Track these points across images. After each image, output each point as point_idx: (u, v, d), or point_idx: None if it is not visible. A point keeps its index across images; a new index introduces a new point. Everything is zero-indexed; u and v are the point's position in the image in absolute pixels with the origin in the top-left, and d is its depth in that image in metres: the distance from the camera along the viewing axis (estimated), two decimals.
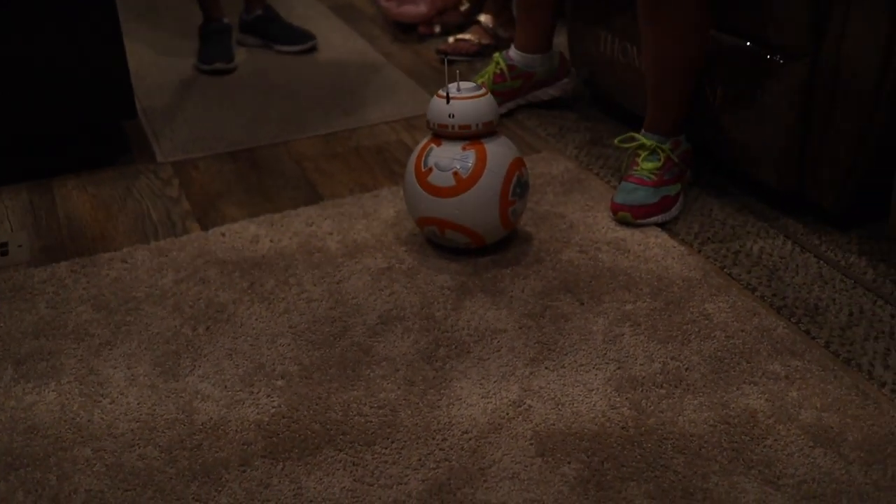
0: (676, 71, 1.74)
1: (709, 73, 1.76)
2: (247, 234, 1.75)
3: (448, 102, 1.57)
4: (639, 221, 1.72)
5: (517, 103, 2.19)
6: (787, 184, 1.71)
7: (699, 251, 1.67)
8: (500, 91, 2.12)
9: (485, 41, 2.54)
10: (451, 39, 2.57)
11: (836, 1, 1.52)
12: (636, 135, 1.81)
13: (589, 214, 1.77)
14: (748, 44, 1.68)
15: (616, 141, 1.83)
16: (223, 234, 1.75)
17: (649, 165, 1.77)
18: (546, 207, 1.80)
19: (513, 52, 2.15)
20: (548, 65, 2.17)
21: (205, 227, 1.79)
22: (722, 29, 1.73)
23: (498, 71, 2.15)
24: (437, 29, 2.72)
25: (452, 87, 1.59)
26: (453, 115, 1.57)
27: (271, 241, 1.72)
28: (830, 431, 1.26)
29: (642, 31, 1.74)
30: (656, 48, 1.73)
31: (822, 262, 1.63)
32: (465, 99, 1.57)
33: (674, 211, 1.76)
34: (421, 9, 2.71)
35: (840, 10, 1.52)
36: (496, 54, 2.17)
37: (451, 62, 2.49)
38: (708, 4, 1.66)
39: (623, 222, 1.74)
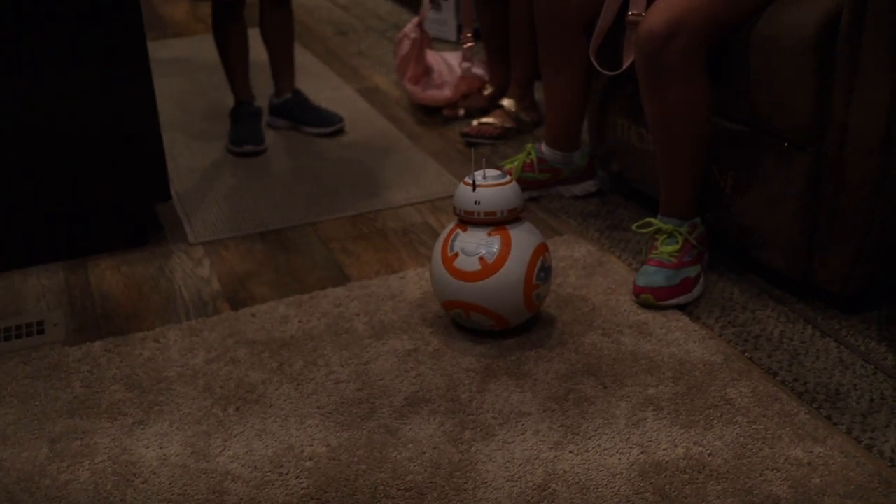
0: (685, 156, 1.78)
1: (719, 158, 1.81)
2: (276, 315, 1.79)
3: (474, 190, 1.63)
4: (661, 303, 1.75)
5: (539, 194, 2.24)
6: (796, 269, 1.74)
7: (720, 335, 1.69)
8: (526, 180, 2.18)
9: (508, 125, 2.61)
10: (474, 122, 2.63)
11: (839, 90, 1.57)
12: (653, 220, 1.85)
13: (611, 297, 1.81)
14: (756, 131, 1.73)
15: (634, 227, 1.87)
16: (253, 315, 1.79)
17: (668, 248, 1.80)
18: (569, 290, 1.84)
19: (544, 146, 2.21)
20: (575, 164, 2.22)
21: (235, 307, 1.83)
22: (731, 116, 1.79)
23: (528, 161, 2.20)
24: (462, 112, 2.80)
25: (479, 174, 1.65)
26: (479, 202, 1.62)
27: (300, 321, 1.76)
28: None
29: (649, 118, 1.80)
30: (664, 134, 1.79)
31: (842, 346, 1.65)
32: (490, 186, 1.63)
33: (695, 292, 1.79)
34: (445, 93, 2.79)
35: (842, 99, 1.57)
36: (529, 145, 2.23)
37: (474, 145, 2.56)
38: (707, 88, 1.72)
39: (645, 305, 1.77)
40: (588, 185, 2.24)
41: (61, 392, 1.58)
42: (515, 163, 2.22)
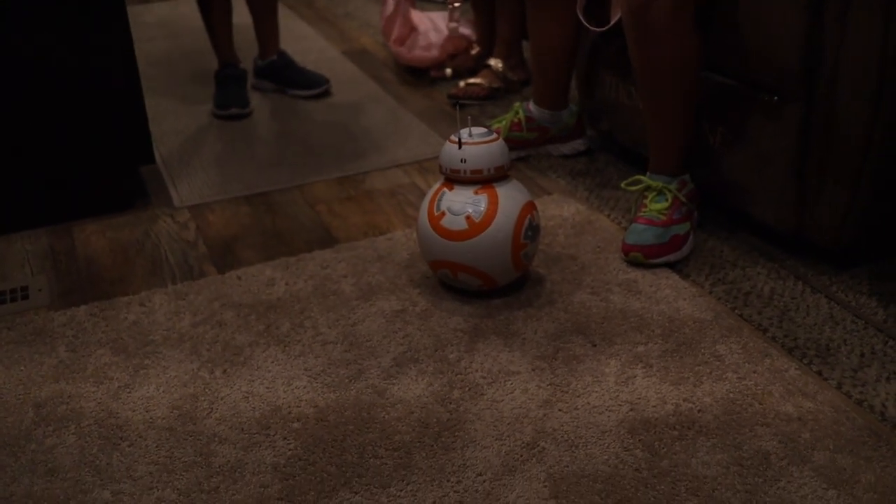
0: (673, 111, 1.77)
1: (708, 113, 1.79)
2: (262, 278, 1.77)
3: (460, 148, 1.60)
4: (650, 261, 1.74)
5: (528, 153, 2.22)
6: (786, 224, 1.73)
7: (710, 292, 1.68)
8: (513, 139, 2.16)
9: (495, 84, 2.58)
10: (461, 83, 2.60)
11: (829, 40, 1.55)
12: (642, 177, 1.83)
13: (600, 256, 1.79)
14: (745, 85, 1.71)
15: (623, 184, 1.86)
16: (239, 278, 1.78)
17: (658, 206, 1.79)
18: (557, 249, 1.82)
19: (532, 105, 2.19)
20: (563, 122, 2.20)
21: (221, 271, 1.82)
22: (720, 70, 1.76)
23: (516, 120, 2.18)
24: (449, 72, 2.77)
25: (464, 132, 1.62)
26: (465, 160, 1.60)
27: (286, 284, 1.75)
28: (844, 473, 1.26)
29: (636, 73, 1.77)
30: (652, 89, 1.77)
31: (832, 302, 1.64)
32: (476, 144, 1.60)
33: (685, 250, 1.78)
34: (432, 53, 2.76)
35: (832, 50, 1.55)
36: (516, 104, 2.21)
37: (462, 106, 2.53)
38: (695, 36, 1.69)
39: (634, 263, 1.76)
40: (577, 144, 2.22)
41: (46, 357, 1.57)
42: (503, 122, 2.19)
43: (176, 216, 2.05)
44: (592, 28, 1.91)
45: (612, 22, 1.84)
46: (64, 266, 1.86)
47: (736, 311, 1.63)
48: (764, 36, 1.63)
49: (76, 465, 1.33)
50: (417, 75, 2.84)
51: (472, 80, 2.59)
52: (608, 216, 1.96)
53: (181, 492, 1.27)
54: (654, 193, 1.80)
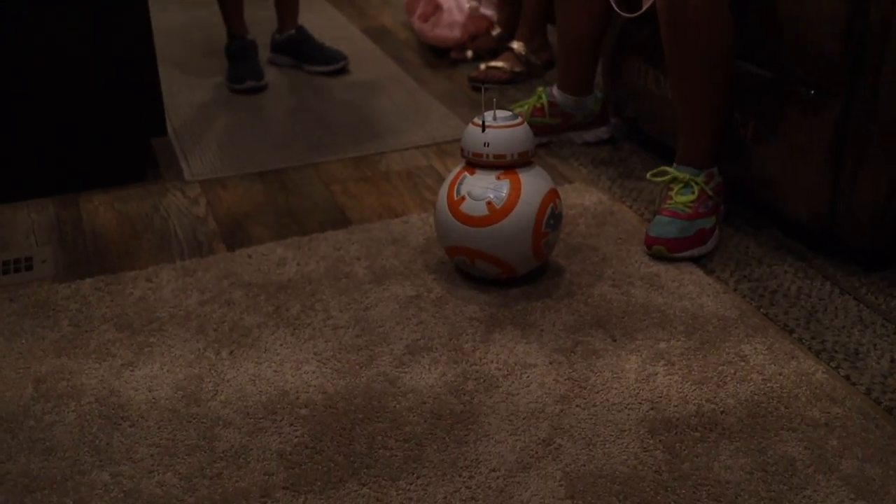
0: (705, 101, 1.71)
1: (740, 105, 1.73)
2: (273, 257, 1.72)
3: (483, 131, 1.55)
4: (674, 255, 1.69)
5: (550, 139, 2.16)
6: (819, 222, 1.67)
7: (735, 289, 1.63)
8: (536, 125, 2.09)
9: (517, 69, 2.52)
10: (482, 66, 2.54)
11: (873, 32, 1.48)
12: (668, 168, 1.78)
13: (622, 248, 1.74)
14: (781, 77, 1.65)
15: (648, 175, 1.80)
16: (249, 256, 1.73)
17: (683, 199, 1.73)
18: (578, 239, 1.77)
19: (556, 90, 2.13)
20: (588, 109, 2.14)
21: (231, 248, 1.77)
22: (755, 61, 1.70)
23: (539, 105, 2.12)
24: (470, 54, 2.70)
25: (489, 115, 1.57)
26: (488, 144, 1.54)
27: (298, 264, 1.70)
28: (873, 484, 1.21)
29: (668, 60, 1.71)
30: (683, 78, 1.71)
31: (861, 304, 1.58)
32: (501, 128, 1.55)
33: (709, 245, 1.72)
34: (455, 33, 2.70)
35: (877, 45, 1.49)
36: (540, 89, 2.14)
37: (481, 86, 2.47)
38: (730, 22, 1.63)
39: (658, 256, 1.70)
40: (600, 132, 2.16)
41: (48, 331, 1.52)
42: (525, 107, 2.13)
43: (186, 190, 2.00)
44: (624, 14, 1.85)
45: (645, 7, 1.77)
46: (70, 237, 1.81)
47: (761, 309, 1.57)
48: (802, 24, 1.57)
49: (75, 444, 1.28)
50: (438, 56, 2.77)
51: (493, 64, 2.53)
52: (630, 207, 1.90)
53: (183, 476, 1.23)
54: (681, 185, 1.74)
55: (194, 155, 2.15)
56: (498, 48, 2.68)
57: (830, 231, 1.67)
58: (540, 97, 2.13)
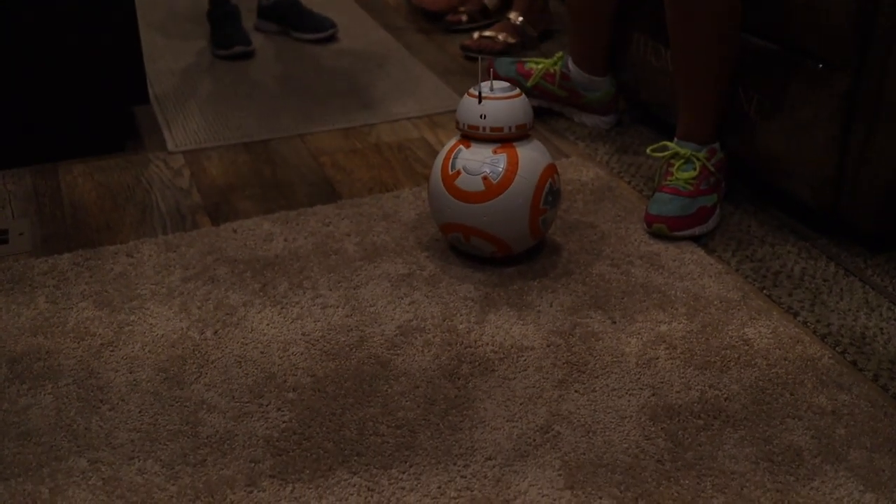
0: (708, 74, 1.65)
1: (744, 78, 1.67)
2: (260, 232, 1.66)
3: (480, 102, 1.48)
4: (675, 234, 1.63)
5: (551, 107, 2.08)
6: (823, 201, 1.62)
7: (737, 270, 1.58)
8: (542, 88, 2.01)
9: (511, 40, 2.44)
10: (475, 35, 2.47)
11: (884, 10, 1.43)
12: (669, 143, 1.72)
13: (621, 225, 1.68)
14: (787, 50, 1.59)
15: (648, 150, 1.74)
16: (235, 231, 1.66)
17: (685, 175, 1.68)
18: (576, 216, 1.71)
19: (571, 63, 2.03)
20: (599, 94, 2.03)
21: (216, 222, 1.70)
22: (760, 33, 1.64)
23: (552, 71, 2.03)
24: (464, 18, 2.62)
25: (485, 86, 1.50)
26: (485, 116, 1.48)
27: (285, 240, 1.63)
28: (882, 475, 1.17)
29: (671, 31, 1.65)
30: (686, 49, 1.65)
31: (867, 286, 1.53)
32: (498, 99, 1.48)
33: (711, 223, 1.67)
34: None
35: (887, 20, 1.43)
36: (559, 54, 2.03)
37: (474, 57, 2.40)
38: (739, 7, 1.57)
39: (658, 235, 1.65)
40: (602, 121, 2.04)
41: (24, 308, 1.45)
42: (539, 66, 2.04)
43: (169, 161, 1.92)
44: None
45: None
46: (48, 210, 1.74)
47: (765, 291, 1.52)
48: None
49: (51, 428, 1.22)
50: (430, 21, 2.69)
51: (487, 33, 2.46)
52: (629, 183, 1.84)
53: (164, 463, 1.17)
54: (682, 161, 1.69)
55: (177, 124, 2.08)
56: (492, 12, 2.61)
57: (835, 210, 1.62)
58: (556, 63, 2.03)
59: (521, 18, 2.45)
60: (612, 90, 2.04)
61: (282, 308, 1.46)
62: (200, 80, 2.31)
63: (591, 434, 1.23)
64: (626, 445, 1.21)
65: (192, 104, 2.18)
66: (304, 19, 2.56)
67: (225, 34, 2.43)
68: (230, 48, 2.40)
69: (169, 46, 2.52)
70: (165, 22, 2.69)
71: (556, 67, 2.03)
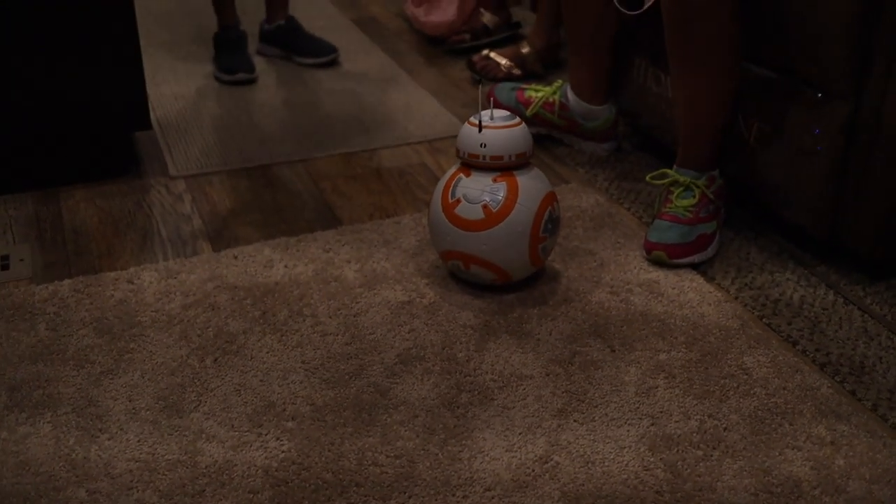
0: (708, 101, 1.66)
1: (744, 106, 1.68)
2: (260, 258, 1.66)
3: (480, 131, 1.49)
4: (674, 261, 1.64)
5: (550, 133, 2.09)
6: (822, 229, 1.63)
7: (736, 298, 1.58)
8: (542, 116, 2.02)
9: (515, 71, 2.44)
10: (484, 52, 2.47)
11: (884, 34, 1.43)
12: (669, 171, 1.72)
13: (620, 252, 1.69)
14: (787, 78, 1.60)
15: (648, 178, 1.74)
16: (235, 257, 1.67)
17: (684, 202, 1.68)
18: (575, 243, 1.72)
19: (570, 92, 2.04)
20: (598, 123, 2.04)
21: (217, 248, 1.71)
22: (760, 61, 1.65)
23: (551, 100, 2.04)
24: (468, 37, 2.64)
25: (485, 114, 1.51)
26: (485, 145, 1.49)
27: (286, 266, 1.64)
28: None
29: (670, 58, 1.66)
30: (685, 76, 1.65)
31: (866, 315, 1.53)
32: (498, 128, 1.49)
33: (710, 251, 1.68)
34: (449, 16, 2.63)
35: (886, 50, 1.44)
36: (558, 82, 2.05)
37: (479, 81, 2.41)
38: (738, 29, 1.58)
39: (657, 262, 1.65)
40: (600, 147, 2.05)
41: (24, 335, 1.46)
42: (539, 94, 2.05)
43: (171, 187, 1.93)
44: (626, 11, 1.79)
45: (648, 4, 1.72)
46: (49, 235, 1.75)
47: (764, 319, 1.53)
48: (811, 25, 1.52)
49: (50, 457, 1.22)
50: (432, 45, 2.71)
51: (494, 55, 2.45)
52: (629, 209, 1.85)
53: (163, 494, 1.17)
54: (681, 189, 1.69)
55: (179, 148, 2.09)
56: (496, 30, 2.63)
57: (834, 237, 1.62)
58: (555, 92, 2.04)
59: (527, 49, 2.46)
60: (611, 118, 2.05)
61: (281, 335, 1.46)
62: (203, 105, 2.33)
63: (590, 464, 1.23)
64: (625, 476, 1.21)
65: (194, 128, 2.19)
66: (306, 44, 2.57)
67: (230, 59, 2.45)
68: (234, 73, 2.42)
69: (173, 69, 2.53)
70: (170, 45, 2.71)
71: (556, 97, 2.04)
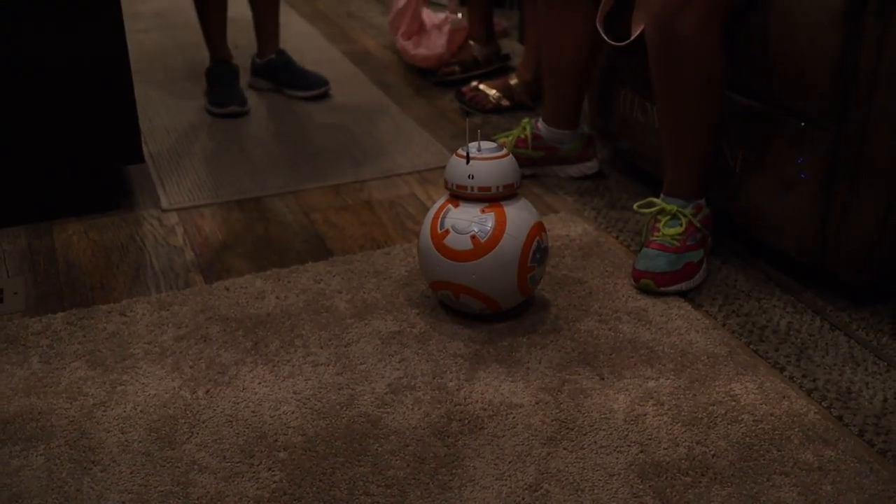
0: (694, 131, 1.68)
1: (729, 135, 1.71)
2: (252, 290, 1.67)
3: (468, 163, 1.51)
4: (662, 289, 1.65)
5: (534, 171, 2.12)
6: (809, 256, 1.65)
7: (724, 325, 1.59)
8: (519, 156, 2.06)
9: (504, 102, 2.47)
10: (474, 83, 2.50)
11: (865, 66, 1.46)
12: (656, 200, 1.75)
13: (609, 281, 1.70)
14: (770, 108, 1.63)
15: (635, 207, 1.76)
16: (227, 289, 1.68)
17: (671, 231, 1.70)
18: (564, 272, 1.73)
19: (541, 123, 2.09)
20: (573, 143, 2.09)
21: (209, 280, 1.72)
22: (744, 91, 1.68)
23: (523, 136, 2.08)
24: (457, 69, 2.67)
25: (473, 146, 1.53)
26: (473, 177, 1.51)
27: (277, 297, 1.65)
28: None
29: (656, 88, 1.69)
30: (672, 107, 1.68)
31: (852, 341, 1.55)
32: (486, 160, 1.51)
33: (697, 279, 1.70)
34: (437, 50, 2.66)
35: (867, 79, 1.46)
36: (525, 120, 2.10)
37: (468, 113, 2.44)
38: (722, 60, 1.61)
39: (645, 290, 1.67)
40: (585, 167, 2.10)
41: (17, 367, 1.47)
42: (510, 137, 2.10)
43: (163, 219, 1.95)
44: (612, 42, 1.82)
45: (634, 36, 1.75)
46: (42, 268, 1.76)
47: (751, 346, 1.54)
48: (794, 56, 1.55)
49: (43, 490, 1.23)
50: (422, 77, 2.74)
51: (484, 87, 2.48)
52: (617, 238, 1.87)
53: None
54: (668, 217, 1.72)
55: (171, 181, 2.10)
56: (484, 62, 2.67)
57: (819, 264, 1.65)
58: (524, 128, 2.09)
59: (515, 81, 2.49)
60: (584, 139, 2.10)
61: (273, 366, 1.47)
62: (195, 138, 2.35)
63: (579, 492, 1.24)
64: None
65: (187, 161, 2.21)
66: (297, 77, 2.60)
67: (222, 93, 2.47)
68: (225, 107, 2.44)
69: (165, 103, 2.55)
70: (163, 80, 2.74)
71: (526, 132, 2.08)
